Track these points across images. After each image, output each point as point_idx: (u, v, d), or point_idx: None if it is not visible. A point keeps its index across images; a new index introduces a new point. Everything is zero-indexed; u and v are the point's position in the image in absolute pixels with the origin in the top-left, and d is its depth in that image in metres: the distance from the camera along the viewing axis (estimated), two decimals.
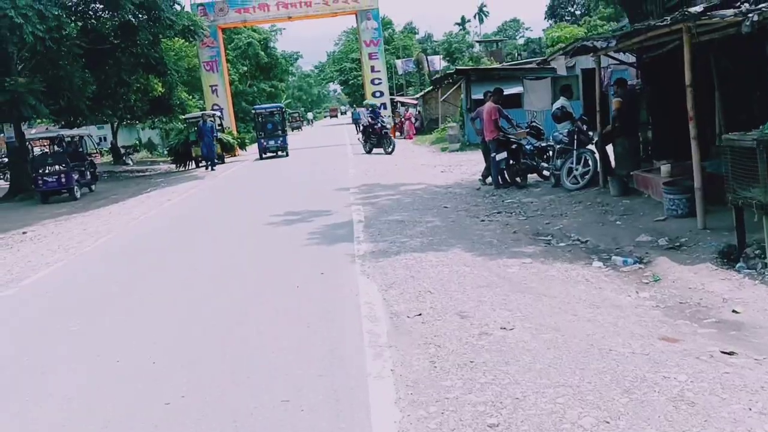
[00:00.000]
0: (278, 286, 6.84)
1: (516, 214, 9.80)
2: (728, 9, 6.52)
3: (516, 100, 23.31)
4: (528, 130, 13.68)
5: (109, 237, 11.27)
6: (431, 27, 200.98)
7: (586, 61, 22.96)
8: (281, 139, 27.74)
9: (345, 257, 7.76)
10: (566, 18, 66.79)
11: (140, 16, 22.49)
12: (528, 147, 13.22)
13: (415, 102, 39.72)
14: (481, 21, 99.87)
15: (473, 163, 18.26)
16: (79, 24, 24.67)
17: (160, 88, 30.12)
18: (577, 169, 11.01)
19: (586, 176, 10.85)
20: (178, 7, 24.16)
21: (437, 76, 36.80)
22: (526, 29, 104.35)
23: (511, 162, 12.75)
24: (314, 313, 5.74)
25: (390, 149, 23.60)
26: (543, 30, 73.81)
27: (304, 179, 17.69)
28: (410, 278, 6.52)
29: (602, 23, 50.70)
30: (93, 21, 25.02)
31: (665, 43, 8.80)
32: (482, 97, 23.32)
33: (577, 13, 68.10)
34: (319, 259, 7.82)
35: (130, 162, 34.46)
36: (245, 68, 54.94)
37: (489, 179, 13.51)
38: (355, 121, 37.10)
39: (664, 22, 6.96)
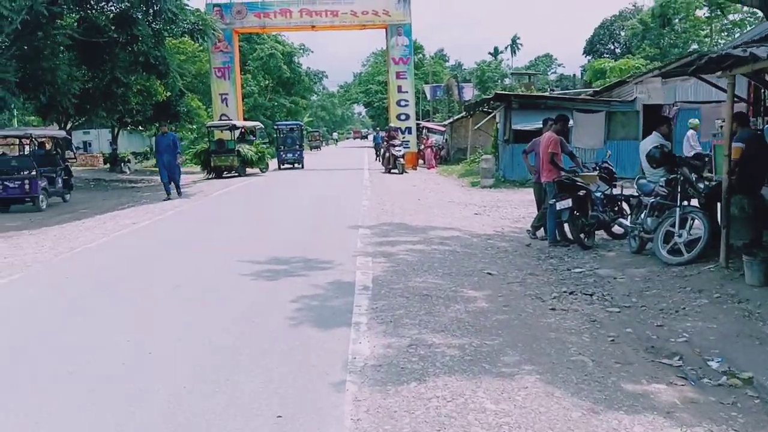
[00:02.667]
0: None
1: (600, 299, 6.54)
2: None
3: (564, 136, 20.13)
4: (598, 171, 10.50)
5: (10, 279, 8.10)
6: (462, 57, 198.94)
7: (650, 95, 19.84)
8: (298, 152, 31.49)
9: (327, 376, 4.49)
10: (605, 54, 63.77)
11: (140, 6, 19.66)
12: (598, 194, 10.02)
13: (443, 129, 36.66)
14: (513, 53, 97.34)
15: (512, 204, 15.07)
16: (81, 13, 22.07)
17: (164, 92, 27.38)
18: (680, 235, 7.72)
19: (695, 247, 7.57)
20: (187, 3, 21.33)
21: (471, 101, 33.78)
22: (559, 65, 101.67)
23: (575, 213, 9.52)
24: None
25: (399, 171, 24.80)
26: (580, 66, 70.92)
27: (309, 209, 14.56)
28: None
29: (645, 62, 47.50)
30: (94, 11, 22.35)
31: None
32: (525, 127, 20.39)
33: (617, 51, 65.09)
34: (282, 372, 4.57)
35: (126, 170, 31.63)
36: (267, 81, 52.47)
37: (540, 231, 10.29)
38: (377, 145, 33.99)
39: None
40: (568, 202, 9.46)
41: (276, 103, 51.72)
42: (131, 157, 34.36)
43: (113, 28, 21.09)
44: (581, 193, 9.57)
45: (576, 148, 20.00)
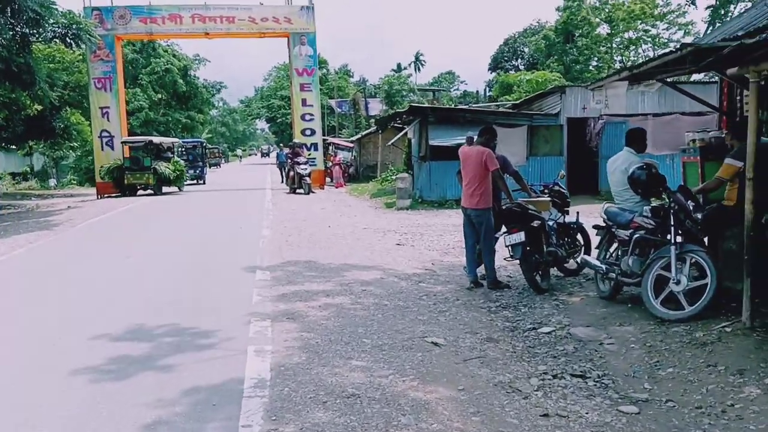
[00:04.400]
0: None
1: (600, 386, 4.58)
2: None
3: None
4: (549, 195, 8.69)
5: None
6: (366, 73, 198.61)
7: (573, 108, 18.58)
8: (200, 169, 33.69)
9: None
10: (510, 71, 63.95)
11: None
12: (550, 223, 8.19)
13: (351, 145, 34.66)
14: (417, 70, 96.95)
15: (435, 230, 13.19)
16: None
17: (35, 106, 23.92)
18: (677, 282, 5.91)
19: (701, 298, 5.77)
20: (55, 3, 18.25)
21: (378, 116, 31.95)
22: (462, 82, 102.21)
23: (527, 248, 7.62)
24: None
25: (305, 191, 22.88)
26: (485, 81, 71.10)
27: (197, 241, 12.04)
28: None
29: (559, 75, 46.96)
30: None
31: None
32: (443, 143, 18.39)
33: (521, 67, 65.51)
34: None
35: None
36: (160, 95, 48.80)
37: (480, 271, 8.31)
38: (280, 164, 31.31)
39: None
40: (520, 236, 7.55)
41: (170, 118, 48.08)
42: None
43: None
44: (535, 223, 7.70)
45: None
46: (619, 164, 6.84)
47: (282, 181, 27.48)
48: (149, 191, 24.79)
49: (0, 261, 10.71)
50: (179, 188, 26.51)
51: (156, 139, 27.01)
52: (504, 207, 7.88)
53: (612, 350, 5.42)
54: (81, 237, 13.61)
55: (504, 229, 7.96)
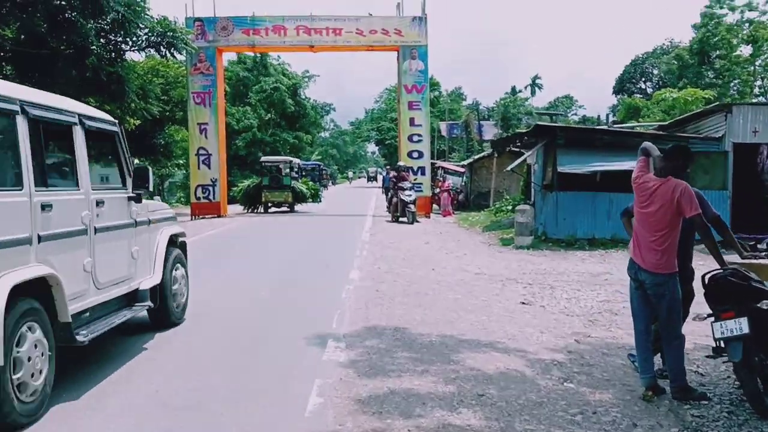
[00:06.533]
0: None
1: None
2: None
3: (625, 181, 15.32)
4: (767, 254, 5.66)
5: None
6: (479, 96, 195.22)
7: (741, 131, 15.01)
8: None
9: None
10: (635, 94, 59.14)
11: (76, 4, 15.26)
12: None
13: (462, 170, 31.98)
14: (533, 93, 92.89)
15: (568, 280, 10.34)
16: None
17: (133, 121, 22.94)
18: None
19: None
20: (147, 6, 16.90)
21: (493, 140, 29.09)
22: (580, 106, 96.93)
23: (750, 344, 4.65)
24: None
25: (409, 220, 20.60)
26: (608, 107, 66.41)
27: (270, 283, 9.76)
28: None
29: (708, 95, 40.46)
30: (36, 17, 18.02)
31: None
32: (575, 170, 14.73)
33: (649, 90, 60.49)
34: None
35: None
36: (269, 115, 48.30)
37: (661, 367, 5.41)
38: (386, 188, 28.83)
39: None
40: (740, 325, 4.61)
41: (278, 138, 47.33)
42: None
43: (54, 35, 16.72)
44: (765, 305, 4.72)
45: None
46: None
47: (389, 210, 25.20)
48: (283, 208, 26.65)
49: None
50: (316, 202, 29.08)
51: (294, 160, 30.07)
52: (712, 275, 4.96)
53: None
54: None
55: (708, 311, 5.04)
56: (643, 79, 61.79)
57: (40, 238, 4.52)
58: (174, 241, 7.12)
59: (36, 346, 4.37)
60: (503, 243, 15.56)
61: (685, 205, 4.86)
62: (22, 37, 17.15)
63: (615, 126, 24.37)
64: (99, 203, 5.45)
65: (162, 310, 6.65)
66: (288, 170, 27.18)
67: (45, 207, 4.62)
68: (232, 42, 24.35)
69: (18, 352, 4.17)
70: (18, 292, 4.14)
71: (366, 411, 4.60)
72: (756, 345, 4.63)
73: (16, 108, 4.44)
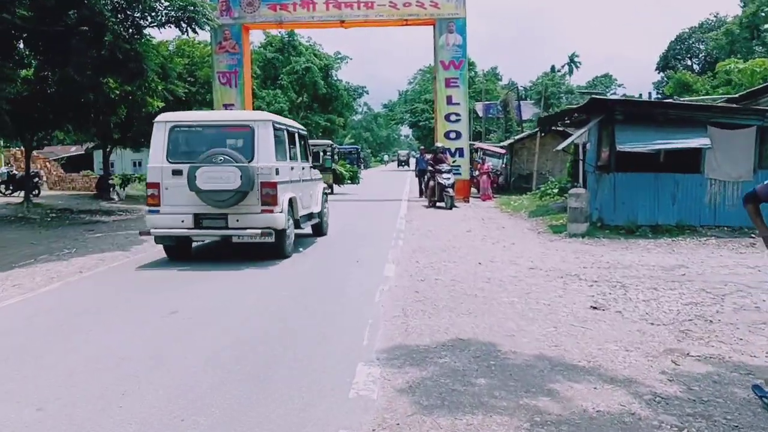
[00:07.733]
0: None
1: None
2: None
3: (692, 161, 13.59)
4: None
5: None
6: (516, 77, 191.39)
7: None
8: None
9: None
10: (681, 70, 56.35)
11: None
12: None
13: (503, 151, 30.31)
14: (570, 72, 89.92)
15: (640, 277, 8.79)
16: None
17: (157, 103, 21.82)
18: None
19: None
20: None
21: (537, 116, 27.31)
22: (619, 85, 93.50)
23: None
24: None
25: (447, 205, 19.50)
26: (652, 83, 63.64)
27: (290, 287, 8.48)
28: None
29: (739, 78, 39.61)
30: None
31: None
32: (635, 149, 13.22)
33: (695, 67, 57.65)
34: None
35: (115, 197, 26.13)
36: (301, 98, 47.05)
37: None
38: (420, 171, 26.76)
39: None
40: None
41: (310, 121, 46.07)
42: (118, 181, 28.81)
43: (64, 10, 15.59)
44: None
45: (710, 179, 13.51)
46: None
47: (421, 194, 23.63)
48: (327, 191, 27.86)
49: (25, 299, 7.65)
50: (355, 183, 31.57)
51: (333, 144, 31.19)
52: None
53: None
54: (148, 265, 10.49)
55: None
56: (689, 55, 58.88)
57: (291, 182, 10.54)
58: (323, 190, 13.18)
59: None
60: (554, 231, 14.00)
61: None
62: (32, 14, 16.11)
63: (681, 99, 22.38)
64: (303, 168, 11.59)
65: (320, 225, 12.95)
66: (329, 154, 27.56)
67: (293, 168, 10.88)
68: (259, 18, 23.00)
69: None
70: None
71: None
72: None
73: (283, 128, 10.79)
